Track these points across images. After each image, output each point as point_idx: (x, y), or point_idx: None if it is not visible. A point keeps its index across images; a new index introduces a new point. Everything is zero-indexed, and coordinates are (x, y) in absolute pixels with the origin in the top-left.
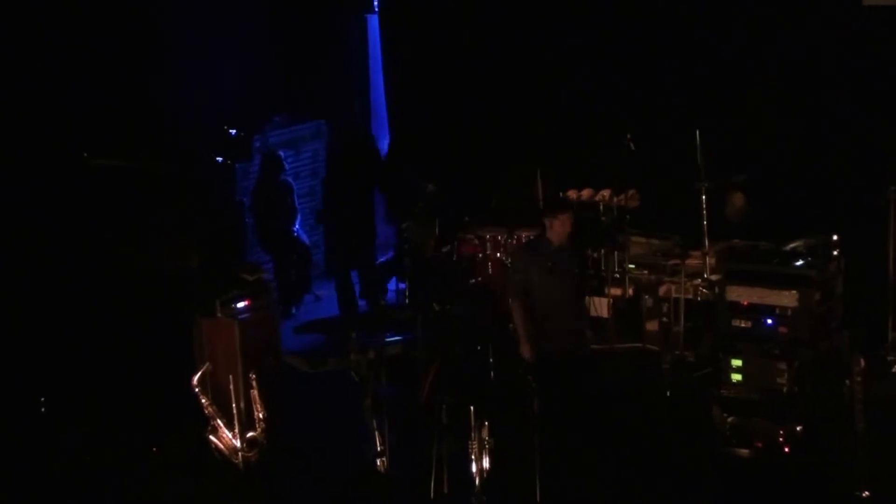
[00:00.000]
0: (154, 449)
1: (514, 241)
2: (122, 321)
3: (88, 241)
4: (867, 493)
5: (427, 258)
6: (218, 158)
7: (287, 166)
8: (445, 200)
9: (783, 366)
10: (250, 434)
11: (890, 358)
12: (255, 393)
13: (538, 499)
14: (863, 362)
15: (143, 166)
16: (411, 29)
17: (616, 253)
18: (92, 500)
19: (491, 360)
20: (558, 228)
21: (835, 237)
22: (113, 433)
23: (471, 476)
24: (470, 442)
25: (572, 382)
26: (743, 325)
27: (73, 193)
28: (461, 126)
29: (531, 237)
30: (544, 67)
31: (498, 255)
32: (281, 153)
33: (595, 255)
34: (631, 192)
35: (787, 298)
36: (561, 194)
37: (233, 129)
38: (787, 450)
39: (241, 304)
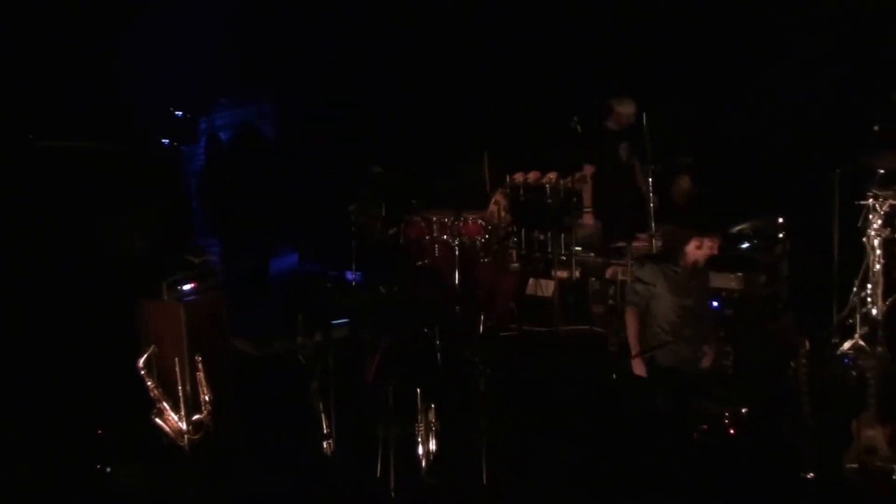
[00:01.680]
0: (99, 432)
1: (461, 224)
2: (65, 302)
3: (32, 223)
4: (812, 474)
5: (373, 241)
6: (164, 140)
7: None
8: (392, 183)
9: (729, 348)
10: (196, 417)
11: (835, 340)
12: (200, 375)
13: (485, 481)
14: (808, 344)
15: (89, 148)
16: (358, 10)
17: (563, 235)
18: (36, 484)
19: (438, 342)
20: (696, 252)
21: (780, 220)
22: (56, 417)
23: (417, 458)
24: (417, 424)
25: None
26: None
27: (18, 175)
28: (408, 108)
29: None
30: (490, 49)
31: (445, 237)
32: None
33: (541, 237)
34: (578, 174)
35: (733, 281)
36: (508, 177)
37: (179, 110)
38: (732, 432)
39: (187, 287)
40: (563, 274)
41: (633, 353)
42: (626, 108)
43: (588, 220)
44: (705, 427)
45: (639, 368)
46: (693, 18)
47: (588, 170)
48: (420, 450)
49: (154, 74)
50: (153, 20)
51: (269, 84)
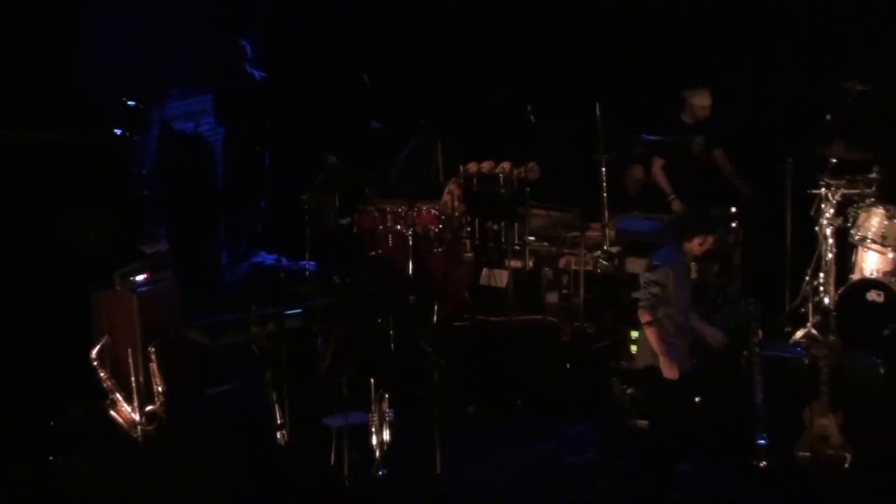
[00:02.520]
0: (51, 423)
1: (415, 214)
2: (17, 293)
3: None
4: (765, 463)
5: (326, 230)
6: (117, 130)
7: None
8: (346, 172)
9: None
10: (149, 408)
11: (787, 329)
12: (154, 366)
13: (438, 470)
14: (761, 333)
15: (40, 137)
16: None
17: (516, 225)
18: None
19: (391, 332)
20: (698, 248)
21: (733, 209)
22: (8, 408)
23: (371, 448)
24: (370, 414)
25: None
26: None
27: None
28: (361, 97)
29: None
30: (445, 39)
31: (398, 227)
32: (180, 125)
33: (495, 227)
34: (531, 164)
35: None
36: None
37: (132, 100)
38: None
39: (140, 277)
40: (516, 264)
41: (662, 357)
42: (701, 101)
43: (677, 206)
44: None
45: (670, 371)
46: (649, 10)
47: (657, 162)
48: (374, 439)
49: (107, 65)
50: (105, 11)
51: (221, 71)
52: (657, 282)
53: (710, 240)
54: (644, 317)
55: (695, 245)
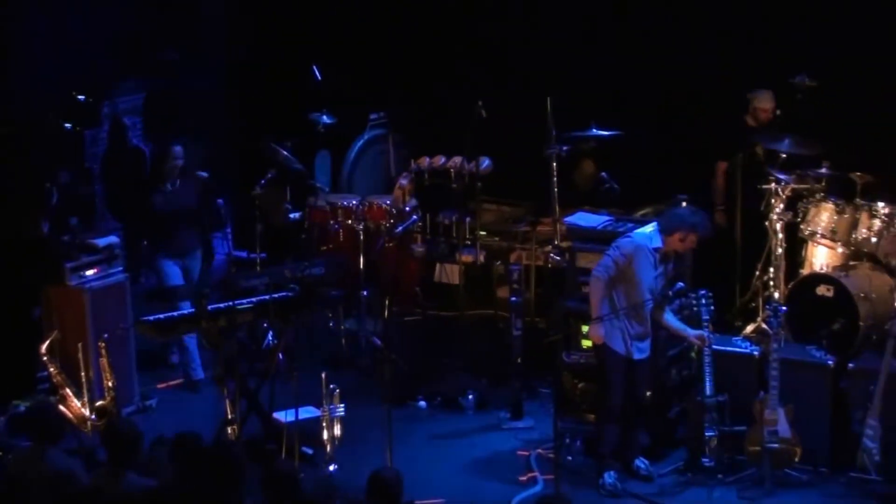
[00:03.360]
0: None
1: (366, 209)
2: None
3: None
4: (713, 458)
5: (277, 225)
6: (66, 125)
7: (135, 132)
8: (296, 168)
9: None
10: (99, 403)
11: (738, 323)
12: (104, 361)
13: (389, 464)
14: (711, 327)
15: None
16: None
17: (467, 219)
18: None
19: (343, 327)
20: (683, 245)
21: (683, 203)
22: None
23: (322, 443)
24: (322, 409)
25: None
26: None
27: None
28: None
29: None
30: (395, 33)
31: (349, 222)
32: (130, 119)
33: (446, 221)
34: (482, 158)
35: None
36: (413, 162)
37: (81, 94)
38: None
39: (90, 272)
40: (467, 258)
41: (594, 315)
42: (764, 104)
43: (720, 218)
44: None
45: (595, 333)
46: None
47: (721, 166)
48: (325, 434)
49: (56, 59)
50: (54, 3)
51: (169, 66)
52: (624, 254)
53: (692, 238)
54: (593, 279)
55: (675, 239)
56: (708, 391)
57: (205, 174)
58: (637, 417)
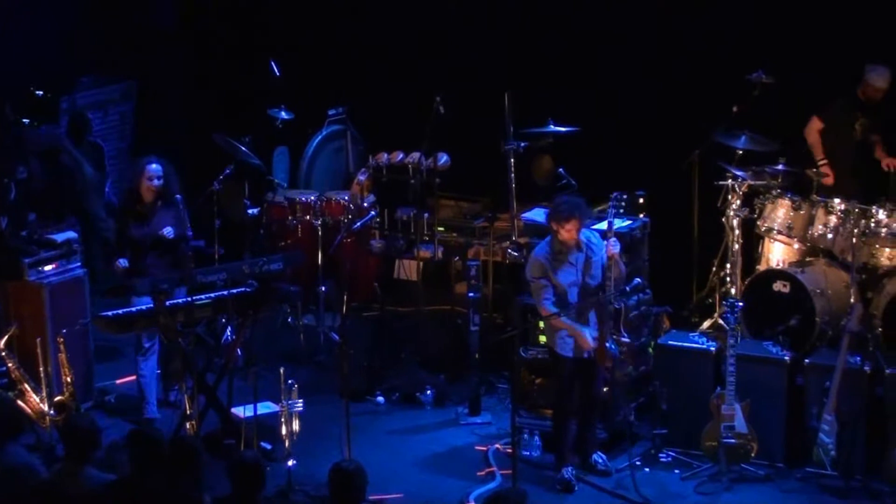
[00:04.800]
0: None
1: (324, 204)
2: None
3: None
4: (665, 453)
5: (235, 221)
6: (24, 120)
7: (94, 128)
8: (255, 163)
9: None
10: (58, 398)
11: (695, 319)
12: (62, 357)
13: (348, 456)
14: (668, 322)
15: None
16: None
17: (425, 215)
18: None
19: (301, 323)
20: (566, 235)
21: (641, 200)
22: None
23: (281, 438)
24: (280, 404)
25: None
26: None
27: None
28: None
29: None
30: (354, 28)
31: (307, 217)
32: (88, 115)
33: (404, 217)
34: (440, 154)
35: None
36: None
37: (39, 90)
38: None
39: (49, 268)
40: (425, 254)
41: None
42: (877, 81)
43: (826, 170)
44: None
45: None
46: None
47: (816, 124)
48: (283, 430)
49: (13, 54)
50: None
51: (129, 63)
52: (533, 277)
53: (568, 226)
54: (542, 312)
55: (561, 231)
56: (656, 382)
57: (179, 197)
58: (593, 413)
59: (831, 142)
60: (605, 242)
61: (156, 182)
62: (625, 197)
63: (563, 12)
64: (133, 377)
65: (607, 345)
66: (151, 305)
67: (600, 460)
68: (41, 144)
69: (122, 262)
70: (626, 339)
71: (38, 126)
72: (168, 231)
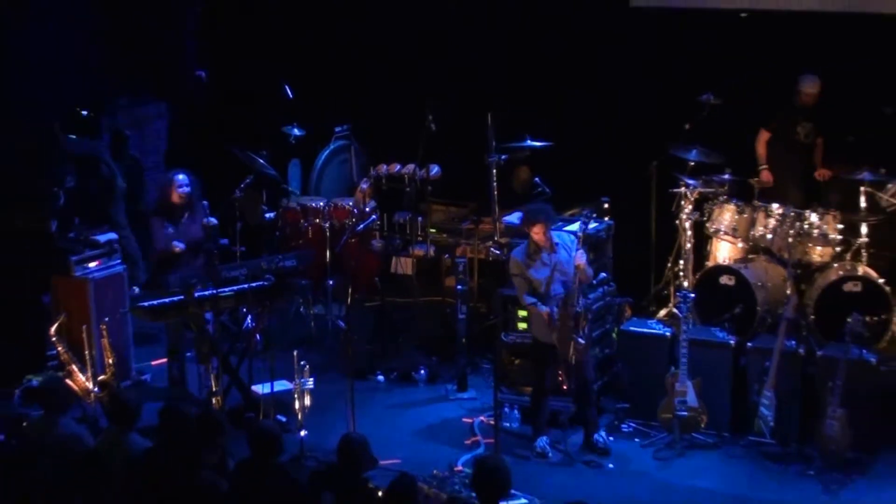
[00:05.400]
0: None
1: (331, 209)
2: None
3: None
4: (627, 424)
5: (254, 224)
6: (70, 136)
7: (132, 143)
8: (271, 174)
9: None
10: (101, 377)
11: (652, 308)
12: (105, 341)
13: (353, 427)
14: (629, 311)
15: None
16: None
17: (419, 219)
18: None
19: (311, 312)
20: (535, 237)
21: (606, 205)
22: None
23: (294, 412)
24: (293, 382)
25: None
26: None
27: None
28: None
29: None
30: (358, 56)
31: (317, 221)
32: (126, 131)
33: (401, 220)
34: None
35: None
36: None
37: (84, 110)
38: (565, 388)
39: (92, 265)
40: (419, 252)
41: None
42: (808, 87)
43: (766, 175)
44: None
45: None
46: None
47: (763, 135)
48: (296, 405)
49: (62, 78)
50: (60, 32)
51: (162, 86)
52: (513, 273)
53: (536, 228)
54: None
55: (531, 233)
56: (618, 366)
57: (214, 220)
58: (588, 395)
59: (779, 149)
60: (576, 252)
61: (184, 189)
62: (593, 214)
63: (537, 40)
64: (165, 359)
65: (577, 338)
66: (182, 297)
67: (601, 440)
68: (83, 154)
69: (180, 244)
70: (582, 341)
71: (82, 141)
72: (178, 244)
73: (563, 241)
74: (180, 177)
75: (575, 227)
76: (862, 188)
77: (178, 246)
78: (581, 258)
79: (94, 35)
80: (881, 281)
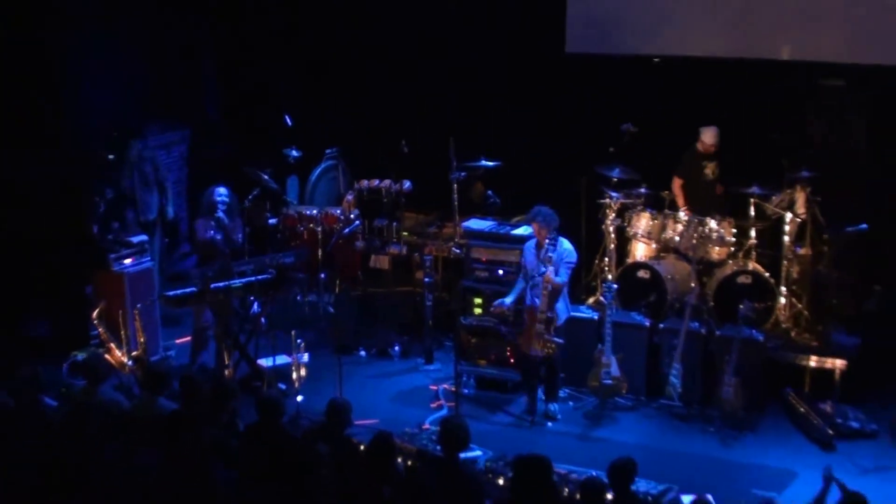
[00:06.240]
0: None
1: (323, 216)
2: (41, 274)
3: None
4: (563, 390)
5: (260, 228)
6: (110, 156)
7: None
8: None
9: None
10: (134, 353)
11: (583, 297)
12: (137, 324)
13: (340, 393)
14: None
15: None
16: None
17: (394, 224)
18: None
19: (306, 299)
20: (537, 234)
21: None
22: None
23: (292, 381)
24: (292, 357)
25: None
26: (482, 274)
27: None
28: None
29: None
30: (347, 92)
31: (311, 226)
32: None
33: (379, 226)
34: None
35: (512, 255)
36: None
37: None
38: (512, 361)
39: (127, 261)
40: (394, 251)
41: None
42: (707, 137)
43: (687, 213)
44: (493, 357)
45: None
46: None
47: (677, 181)
48: (294, 375)
49: (102, 105)
50: (100, 65)
51: (185, 115)
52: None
53: (533, 226)
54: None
55: (534, 230)
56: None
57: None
58: (554, 377)
59: (693, 189)
60: (544, 269)
61: (223, 198)
62: (557, 238)
63: (493, 77)
64: (188, 338)
65: (552, 338)
66: (201, 287)
67: (554, 408)
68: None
69: (217, 235)
70: (559, 341)
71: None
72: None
73: (559, 243)
74: (219, 189)
75: (526, 230)
76: (751, 199)
77: (217, 236)
78: (549, 272)
79: (133, 74)
80: (767, 275)
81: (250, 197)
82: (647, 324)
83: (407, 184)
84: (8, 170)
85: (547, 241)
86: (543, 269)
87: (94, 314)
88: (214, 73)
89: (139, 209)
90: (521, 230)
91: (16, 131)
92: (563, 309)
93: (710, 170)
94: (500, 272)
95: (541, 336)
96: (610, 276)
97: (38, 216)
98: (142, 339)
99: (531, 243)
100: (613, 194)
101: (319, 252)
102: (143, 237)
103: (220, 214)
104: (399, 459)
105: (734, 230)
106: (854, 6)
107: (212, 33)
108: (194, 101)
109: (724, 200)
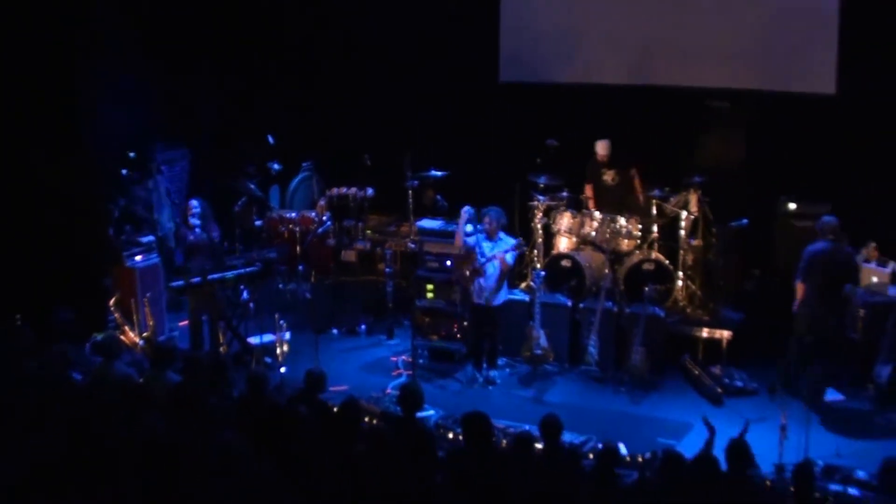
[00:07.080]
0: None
1: (300, 218)
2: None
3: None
4: (500, 359)
5: (248, 229)
6: (123, 171)
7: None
8: (259, 195)
9: (456, 287)
10: (145, 334)
11: (517, 281)
12: (147, 310)
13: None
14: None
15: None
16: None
17: (360, 224)
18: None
19: (288, 288)
20: (487, 228)
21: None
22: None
23: (276, 355)
24: (276, 336)
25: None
26: (433, 264)
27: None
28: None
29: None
30: (317, 115)
31: (291, 226)
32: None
33: (348, 226)
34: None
35: (458, 249)
36: (327, 190)
37: (131, 152)
38: (458, 336)
39: (138, 258)
40: (360, 247)
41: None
42: (600, 148)
43: (598, 215)
44: (444, 333)
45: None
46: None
47: (588, 188)
48: (278, 350)
49: (116, 128)
50: (115, 92)
51: (186, 135)
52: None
53: (487, 221)
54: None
55: (486, 226)
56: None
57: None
58: (494, 343)
59: (597, 191)
60: (502, 252)
61: (195, 210)
62: (524, 247)
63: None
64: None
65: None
66: (200, 279)
67: (495, 374)
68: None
69: (200, 237)
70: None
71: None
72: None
73: (504, 240)
74: (192, 202)
75: (469, 227)
76: (653, 200)
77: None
78: (503, 255)
79: (142, 100)
80: (667, 262)
81: (240, 203)
82: (570, 304)
83: (370, 190)
84: (41, 184)
85: (498, 235)
86: (494, 255)
87: (111, 302)
88: (214, 107)
89: (153, 220)
90: (469, 227)
91: (49, 150)
92: (503, 293)
93: (609, 176)
94: (448, 263)
95: (470, 265)
96: (538, 265)
97: (64, 221)
98: (150, 323)
99: (480, 237)
100: (541, 197)
101: (298, 248)
102: (151, 237)
103: (194, 221)
104: (366, 419)
105: (640, 226)
106: (735, 41)
107: (211, 75)
108: (194, 124)
109: (647, 205)
